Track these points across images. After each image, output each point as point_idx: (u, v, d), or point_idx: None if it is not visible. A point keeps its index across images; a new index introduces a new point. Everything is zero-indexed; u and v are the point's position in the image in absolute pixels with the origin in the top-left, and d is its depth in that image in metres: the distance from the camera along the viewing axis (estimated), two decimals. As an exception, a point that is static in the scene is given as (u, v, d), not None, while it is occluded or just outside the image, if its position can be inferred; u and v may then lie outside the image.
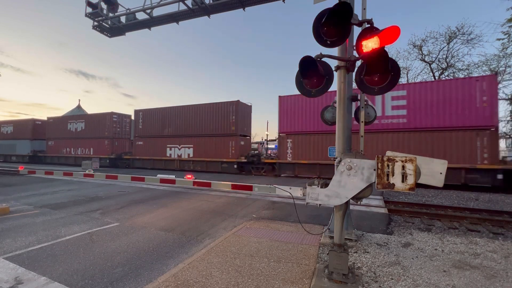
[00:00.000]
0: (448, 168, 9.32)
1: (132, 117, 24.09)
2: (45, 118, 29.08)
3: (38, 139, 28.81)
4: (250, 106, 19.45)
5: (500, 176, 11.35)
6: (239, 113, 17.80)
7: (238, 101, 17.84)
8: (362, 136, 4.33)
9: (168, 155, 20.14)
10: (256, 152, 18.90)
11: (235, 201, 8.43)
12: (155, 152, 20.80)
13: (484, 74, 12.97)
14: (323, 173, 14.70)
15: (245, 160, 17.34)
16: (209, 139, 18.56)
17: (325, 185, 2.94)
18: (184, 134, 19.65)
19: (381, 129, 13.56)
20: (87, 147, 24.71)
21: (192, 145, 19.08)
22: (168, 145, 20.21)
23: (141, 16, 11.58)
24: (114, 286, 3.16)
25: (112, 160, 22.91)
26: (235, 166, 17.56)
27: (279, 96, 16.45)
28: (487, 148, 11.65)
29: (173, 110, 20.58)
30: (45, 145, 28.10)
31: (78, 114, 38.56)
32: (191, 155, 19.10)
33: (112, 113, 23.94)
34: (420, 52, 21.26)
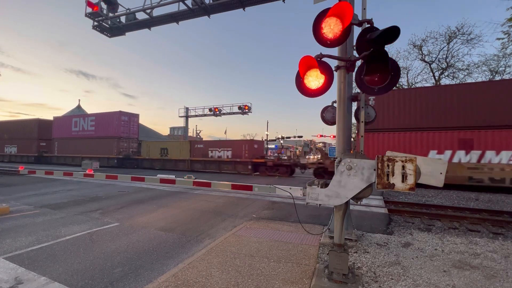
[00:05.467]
0: (101, 158, 25.53)
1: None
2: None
3: None
4: (51, 120, 30.33)
5: (120, 156, 24.63)
6: (40, 126, 29.86)
7: (38, 118, 30.62)
8: (362, 136, 4.33)
9: (5, 151, 32.53)
10: (45, 150, 30.09)
11: (235, 201, 8.43)
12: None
13: (130, 112, 26.91)
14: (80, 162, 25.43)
15: (37, 155, 29.21)
16: (24, 141, 30.46)
17: (325, 185, 2.94)
18: (13, 138, 31.61)
19: (83, 136, 27.18)
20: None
21: (16, 145, 31.28)
22: (5, 145, 32.48)
23: (141, 16, 11.59)
24: (114, 286, 3.16)
25: None
26: (33, 158, 29.52)
27: (54, 117, 29.94)
28: (116, 148, 24.66)
29: (6, 123, 33.76)
30: None
31: (78, 114, 39.04)
32: (16, 152, 31.28)
33: None
34: (420, 52, 21.27)
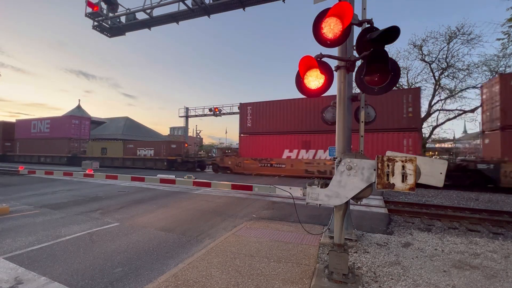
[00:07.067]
0: (54, 156, 30.38)
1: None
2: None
3: None
4: (15, 122, 33.93)
5: (69, 155, 27.92)
6: (4, 128, 33.00)
7: (3, 121, 33.72)
8: (362, 136, 4.33)
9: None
10: (9, 149, 33.06)
11: (235, 201, 8.43)
12: None
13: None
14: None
15: (1, 154, 32.09)
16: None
17: (325, 185, 2.94)
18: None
19: (40, 137, 30.38)
20: None
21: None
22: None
23: (141, 16, 11.59)
24: (114, 286, 3.16)
25: None
26: None
27: (16, 119, 34.23)
28: (67, 147, 27.91)
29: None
30: None
31: (78, 114, 39.09)
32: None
33: None
34: (420, 52, 21.26)
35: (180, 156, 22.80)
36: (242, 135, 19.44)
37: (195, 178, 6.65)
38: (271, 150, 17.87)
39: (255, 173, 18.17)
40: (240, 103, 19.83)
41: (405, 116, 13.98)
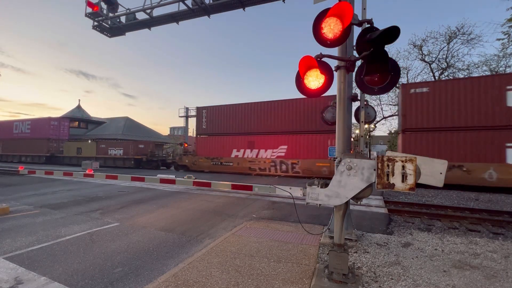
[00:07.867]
0: (34, 155, 32.70)
1: None
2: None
3: None
4: None
5: (48, 155, 29.70)
6: None
7: None
8: (362, 136, 4.33)
9: None
10: None
11: (235, 201, 8.43)
12: None
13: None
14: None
15: None
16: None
17: (325, 185, 2.94)
18: None
19: (21, 138, 32.09)
20: None
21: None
22: None
23: (141, 16, 11.59)
24: (114, 286, 3.16)
25: None
26: None
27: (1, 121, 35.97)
28: (46, 147, 29.51)
29: None
30: None
31: (78, 114, 39.07)
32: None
33: None
34: (420, 52, 21.28)
35: (145, 156, 24.97)
36: (198, 136, 21.88)
37: (195, 178, 6.65)
38: (222, 150, 20.16)
39: (208, 170, 20.55)
40: (197, 107, 22.17)
41: None
